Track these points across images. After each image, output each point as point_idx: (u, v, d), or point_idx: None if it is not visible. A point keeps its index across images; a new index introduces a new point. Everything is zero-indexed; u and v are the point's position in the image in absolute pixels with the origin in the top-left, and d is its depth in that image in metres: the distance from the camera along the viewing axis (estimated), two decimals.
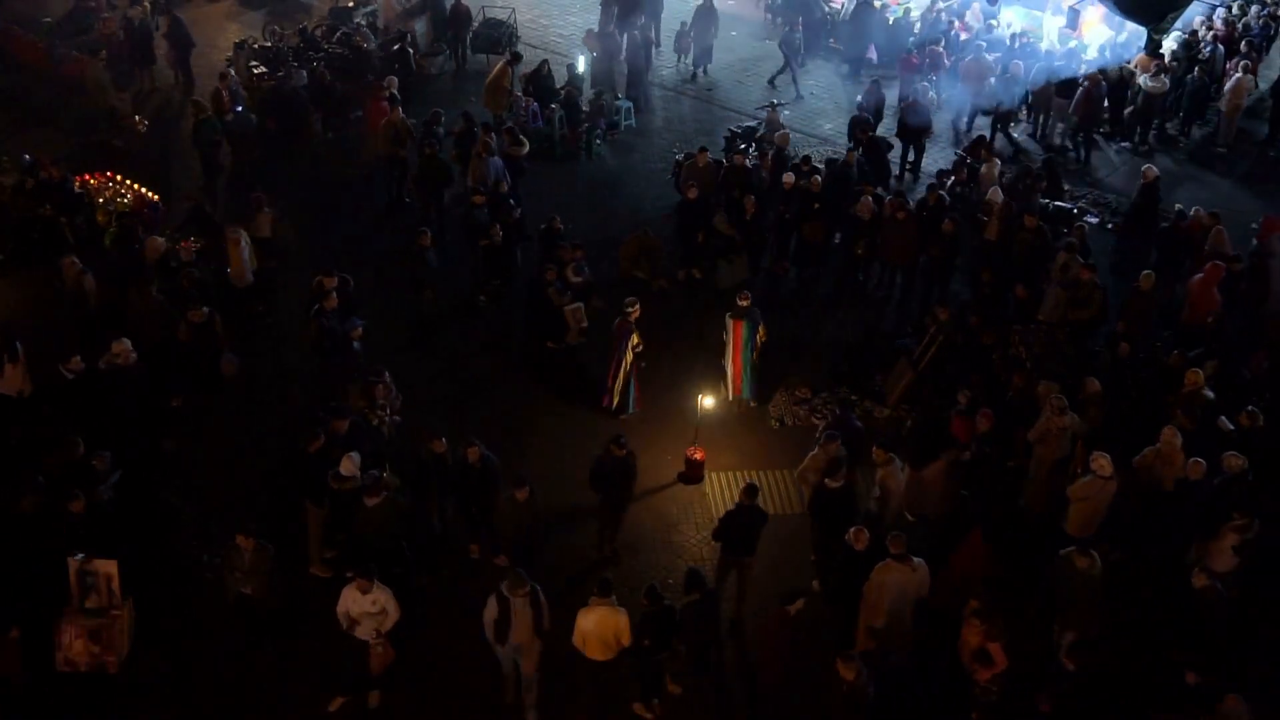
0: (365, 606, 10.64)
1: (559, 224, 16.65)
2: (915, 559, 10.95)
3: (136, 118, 20.12)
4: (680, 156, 19.36)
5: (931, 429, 13.19)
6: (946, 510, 12.52)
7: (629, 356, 14.28)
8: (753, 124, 20.83)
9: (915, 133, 20.09)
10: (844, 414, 13.32)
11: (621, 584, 11.30)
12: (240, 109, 19.90)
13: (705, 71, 23.79)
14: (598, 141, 21.09)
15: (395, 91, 19.88)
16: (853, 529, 11.25)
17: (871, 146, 19.06)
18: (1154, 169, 17.85)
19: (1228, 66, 21.59)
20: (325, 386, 14.06)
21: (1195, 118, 21.67)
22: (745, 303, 14.54)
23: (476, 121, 18.99)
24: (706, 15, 23.46)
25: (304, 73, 21.09)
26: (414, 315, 16.16)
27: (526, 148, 18.82)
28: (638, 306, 14.34)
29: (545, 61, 21.82)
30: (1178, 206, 17.28)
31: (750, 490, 11.74)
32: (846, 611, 11.24)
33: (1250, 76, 20.94)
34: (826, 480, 11.89)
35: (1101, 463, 11.95)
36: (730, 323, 14.54)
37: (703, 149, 18.41)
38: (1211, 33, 22.72)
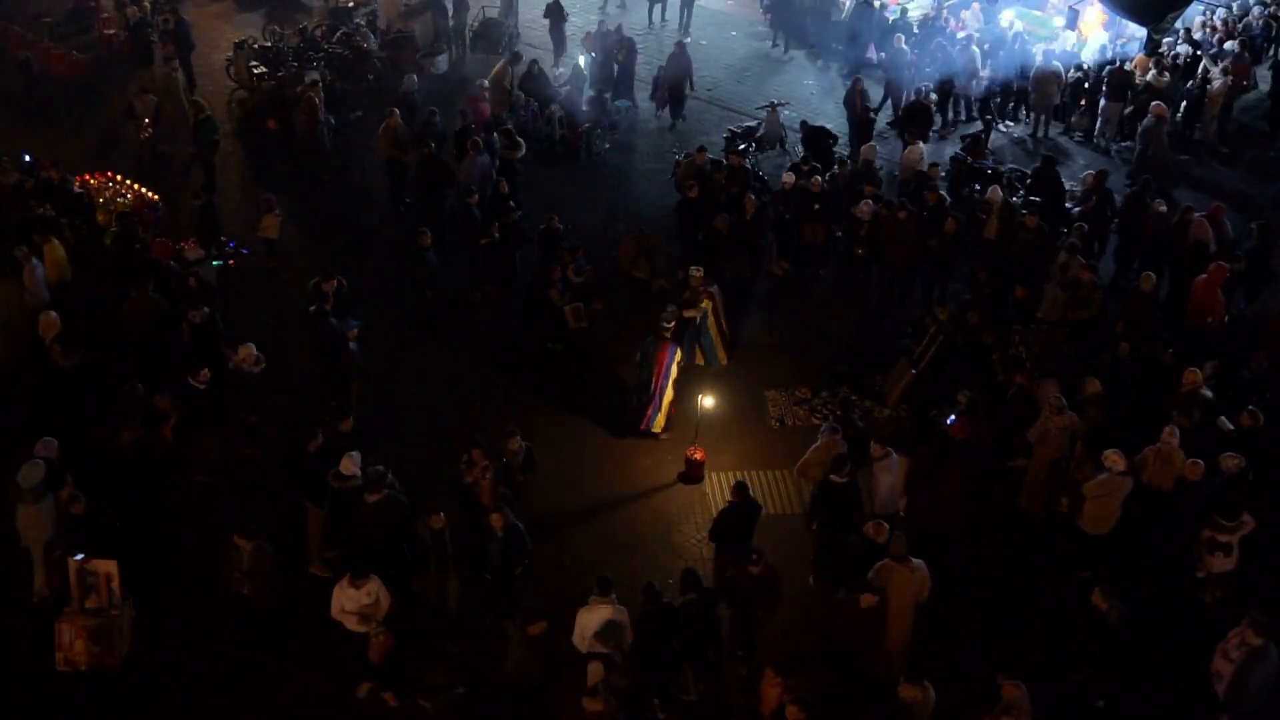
0: (361, 599, 10.67)
1: (557, 223, 16.65)
2: (915, 560, 10.94)
3: (146, 121, 20.06)
4: (680, 156, 19.36)
5: (923, 423, 13.32)
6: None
7: (675, 374, 14.14)
8: (753, 124, 20.82)
9: (914, 133, 20.05)
10: (846, 416, 13.31)
11: (622, 583, 11.29)
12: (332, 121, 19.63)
13: (674, 128, 22.08)
14: (598, 141, 21.08)
15: (488, 94, 19.92)
16: (871, 524, 11.29)
17: (813, 137, 19.38)
18: (1106, 171, 17.83)
19: (1213, 68, 21.52)
20: (325, 386, 14.07)
21: (1195, 118, 21.62)
22: (700, 273, 15.01)
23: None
24: (679, 63, 21.83)
25: (414, 77, 20.76)
26: (414, 315, 16.14)
27: (522, 150, 18.79)
28: (675, 321, 14.18)
29: (534, 61, 21.79)
30: (1160, 206, 17.17)
31: (740, 487, 11.78)
32: None
33: (1229, 79, 20.92)
34: (832, 476, 11.88)
35: (1115, 458, 11.86)
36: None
37: (702, 149, 18.41)
38: (1217, 35, 22.72)
